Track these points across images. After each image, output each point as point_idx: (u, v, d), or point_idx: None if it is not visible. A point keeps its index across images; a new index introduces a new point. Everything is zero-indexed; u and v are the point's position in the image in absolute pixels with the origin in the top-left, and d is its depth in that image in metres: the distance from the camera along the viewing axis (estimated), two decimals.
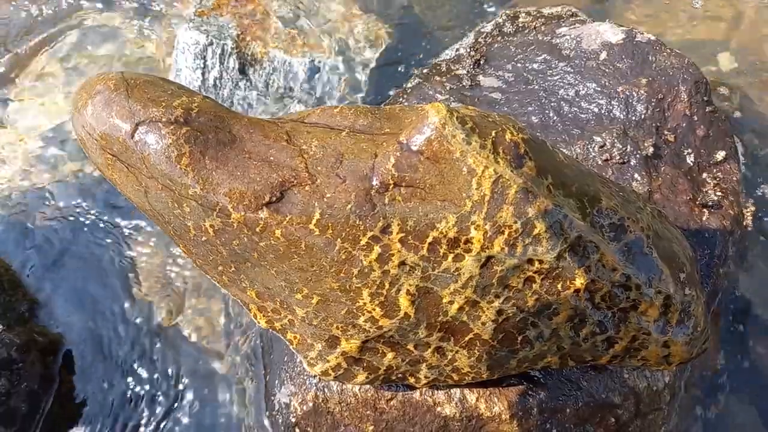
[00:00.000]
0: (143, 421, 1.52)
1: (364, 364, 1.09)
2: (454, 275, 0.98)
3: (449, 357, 1.08)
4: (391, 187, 0.95)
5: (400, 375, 1.12)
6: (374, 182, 0.95)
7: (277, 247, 0.99)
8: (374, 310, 1.01)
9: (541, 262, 0.98)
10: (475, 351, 1.07)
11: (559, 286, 1.01)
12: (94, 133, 1.01)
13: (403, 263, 0.97)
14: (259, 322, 1.10)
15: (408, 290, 1.00)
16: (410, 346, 1.06)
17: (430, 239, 0.96)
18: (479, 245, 0.96)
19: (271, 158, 0.99)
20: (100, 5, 2.21)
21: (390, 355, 1.08)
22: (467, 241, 0.96)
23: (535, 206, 0.95)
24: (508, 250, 0.96)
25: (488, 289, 1.00)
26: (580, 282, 1.01)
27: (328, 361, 1.09)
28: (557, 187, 0.99)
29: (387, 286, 0.99)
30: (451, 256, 0.97)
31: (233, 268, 1.04)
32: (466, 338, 1.05)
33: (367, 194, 0.96)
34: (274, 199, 0.96)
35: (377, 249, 0.97)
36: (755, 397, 1.49)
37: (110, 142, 1.00)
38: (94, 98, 1.01)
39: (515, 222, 0.95)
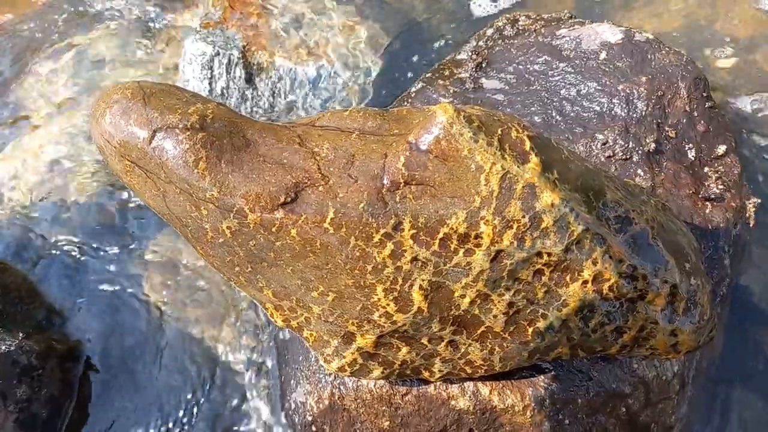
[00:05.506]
0: (161, 426, 1.54)
1: (380, 359, 1.12)
2: (465, 269, 1.01)
3: (462, 350, 1.11)
4: (401, 185, 0.98)
5: (414, 369, 1.14)
6: (385, 181, 0.98)
7: (292, 246, 1.02)
8: (388, 305, 1.04)
9: (549, 254, 1.01)
10: (488, 344, 1.10)
11: (568, 278, 1.04)
12: (113, 140, 1.04)
13: (415, 259, 1.00)
14: (275, 321, 1.13)
15: (421, 285, 1.02)
16: (424, 340, 1.09)
17: (441, 235, 0.99)
18: (489, 240, 0.99)
19: (285, 161, 1.02)
20: (106, 20, 2.25)
21: (404, 350, 1.11)
22: (477, 236, 0.99)
23: (542, 200, 0.98)
24: (517, 243, 0.99)
25: (499, 282, 1.02)
26: (587, 273, 1.04)
27: (344, 357, 1.12)
28: (563, 182, 1.02)
29: (400, 281, 1.02)
30: (461, 251, 1.00)
31: (250, 269, 1.08)
32: (479, 331, 1.08)
33: (379, 193, 0.99)
34: (288, 199, 1.00)
35: (390, 245, 1.00)
36: (759, 387, 1.51)
37: (128, 149, 1.03)
38: (112, 107, 1.04)
39: (523, 216, 0.98)
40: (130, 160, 1.04)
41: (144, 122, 1.02)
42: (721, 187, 1.51)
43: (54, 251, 1.74)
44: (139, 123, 1.02)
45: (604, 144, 1.52)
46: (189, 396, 1.57)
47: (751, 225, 1.51)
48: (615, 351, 1.14)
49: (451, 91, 1.73)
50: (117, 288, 1.71)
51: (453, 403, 1.24)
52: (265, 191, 1.00)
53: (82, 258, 1.74)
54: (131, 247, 1.77)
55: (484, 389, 1.23)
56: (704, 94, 1.61)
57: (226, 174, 1.01)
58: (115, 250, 1.75)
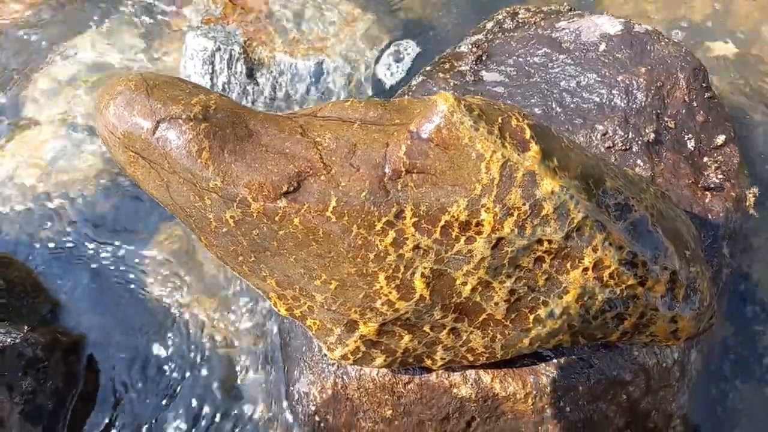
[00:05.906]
0: (164, 417, 1.56)
1: (382, 347, 1.13)
2: (466, 257, 1.02)
3: (464, 338, 1.12)
4: (403, 174, 0.99)
5: (416, 357, 1.15)
6: (387, 170, 0.99)
7: (295, 234, 1.03)
8: (390, 293, 1.05)
9: (550, 242, 1.02)
10: (489, 331, 1.11)
11: (568, 265, 1.05)
12: (117, 131, 1.05)
13: (417, 247, 1.01)
14: (279, 310, 1.14)
15: (423, 273, 1.03)
16: (426, 328, 1.10)
17: (442, 223, 1.00)
18: (490, 227, 1.00)
19: (287, 150, 1.03)
20: (107, 15, 2.26)
21: (407, 338, 1.12)
22: (478, 224, 1.00)
23: (542, 188, 0.99)
24: (517, 231, 1.00)
25: (500, 269, 1.03)
26: (588, 260, 1.05)
27: (347, 346, 1.13)
28: (563, 170, 1.03)
29: (402, 269, 1.03)
30: (463, 239, 1.01)
31: (253, 258, 1.08)
32: (480, 318, 1.09)
33: (381, 181, 1.00)
34: (291, 188, 1.01)
35: (392, 234, 1.01)
36: (759, 375, 1.52)
37: (132, 140, 1.04)
38: (116, 98, 1.05)
39: (524, 204, 0.99)
40: (133, 150, 1.05)
41: (147, 113, 1.03)
42: (720, 176, 1.51)
43: (58, 245, 1.75)
44: (142, 114, 1.03)
45: (604, 135, 1.52)
46: (191, 387, 1.58)
47: (750, 214, 1.52)
48: (616, 338, 1.15)
49: (452, 83, 1.74)
50: (120, 281, 1.72)
51: (455, 391, 1.25)
52: (268, 180, 1.01)
53: (86, 252, 1.75)
54: (134, 239, 1.78)
55: (486, 377, 1.24)
56: (703, 85, 1.62)
57: (229, 164, 1.02)
58: (119, 243, 1.77)
